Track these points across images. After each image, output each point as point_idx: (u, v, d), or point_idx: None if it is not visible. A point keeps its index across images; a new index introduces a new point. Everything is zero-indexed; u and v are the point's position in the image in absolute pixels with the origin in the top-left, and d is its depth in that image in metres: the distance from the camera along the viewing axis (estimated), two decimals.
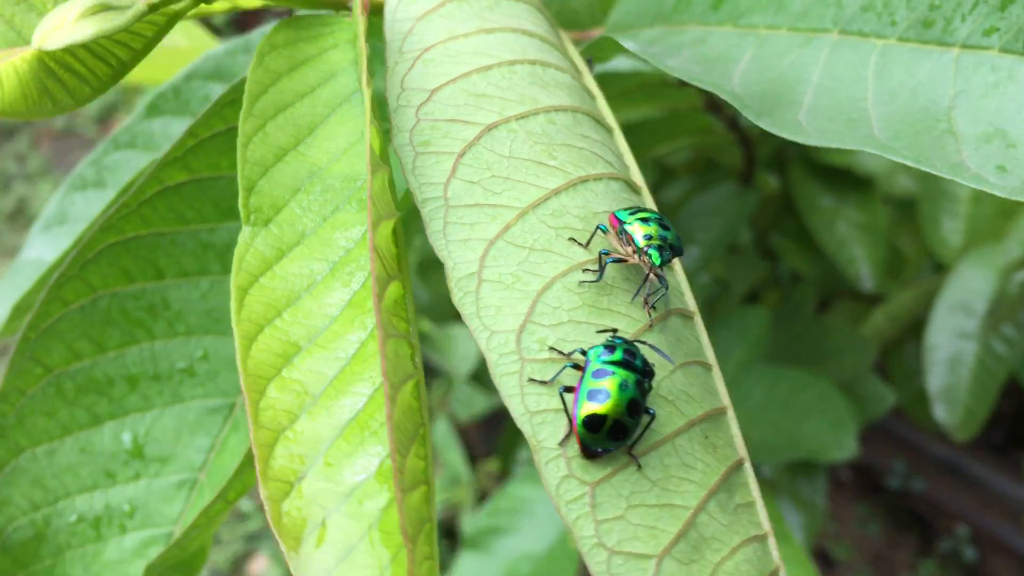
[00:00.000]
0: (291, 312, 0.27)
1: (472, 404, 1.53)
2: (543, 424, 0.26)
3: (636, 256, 0.30)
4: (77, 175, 0.57)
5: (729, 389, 0.31)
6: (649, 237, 0.31)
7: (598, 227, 0.30)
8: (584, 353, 0.27)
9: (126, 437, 0.36)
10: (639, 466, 0.27)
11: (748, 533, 0.28)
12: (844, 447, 0.88)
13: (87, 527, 0.37)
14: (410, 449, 0.25)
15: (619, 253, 0.30)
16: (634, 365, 0.28)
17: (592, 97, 0.36)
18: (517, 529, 0.95)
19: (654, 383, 0.28)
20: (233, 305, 0.27)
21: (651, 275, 0.30)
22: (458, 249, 0.28)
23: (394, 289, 0.27)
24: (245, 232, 0.28)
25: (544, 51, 0.35)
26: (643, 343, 0.28)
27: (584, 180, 0.32)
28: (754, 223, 1.11)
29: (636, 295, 0.29)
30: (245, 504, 1.96)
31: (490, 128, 0.31)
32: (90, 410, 0.36)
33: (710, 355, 0.31)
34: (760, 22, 0.36)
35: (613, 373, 0.27)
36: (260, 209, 0.29)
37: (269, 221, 0.28)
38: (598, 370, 0.27)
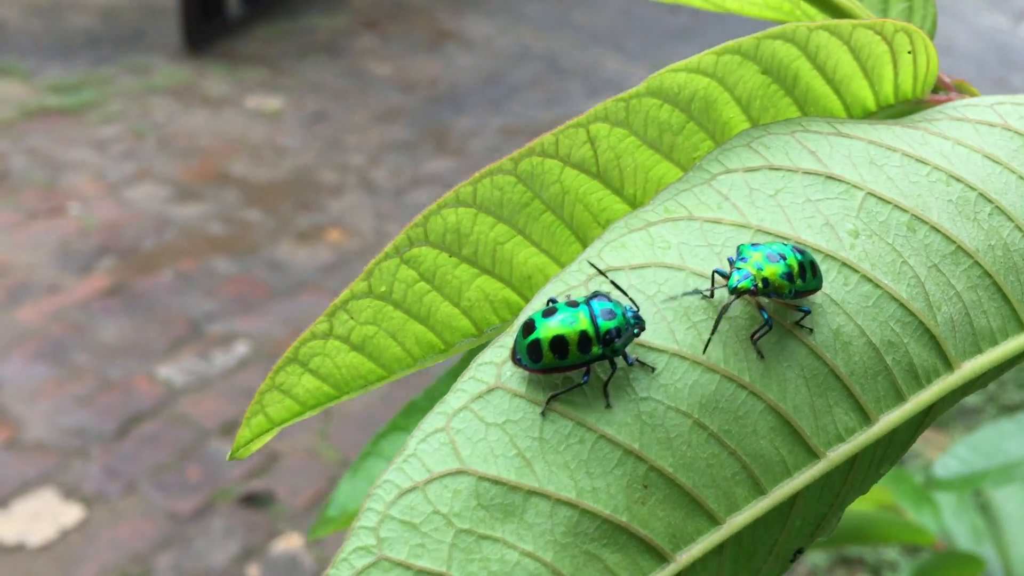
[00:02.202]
0: None
1: None
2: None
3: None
4: None
5: None
6: (744, 260, 0.24)
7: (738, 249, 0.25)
8: (597, 294, 0.24)
9: None
10: (543, 412, 0.23)
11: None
12: None
13: None
14: None
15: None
16: (598, 326, 0.23)
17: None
18: None
19: (647, 395, 0.23)
20: None
21: (740, 302, 0.23)
22: (676, 198, 0.26)
23: None
24: None
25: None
26: (639, 331, 0.23)
27: (850, 267, 0.25)
28: None
29: (717, 324, 0.23)
30: None
31: (853, 186, 0.27)
32: None
33: (767, 501, 0.23)
34: None
35: (578, 310, 0.24)
36: None
37: None
38: (576, 303, 0.24)
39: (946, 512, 1.19)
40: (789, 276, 0.25)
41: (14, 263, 2.64)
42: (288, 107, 3.78)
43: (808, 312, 0.25)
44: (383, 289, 0.25)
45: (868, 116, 0.32)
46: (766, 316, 0.24)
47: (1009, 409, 2.34)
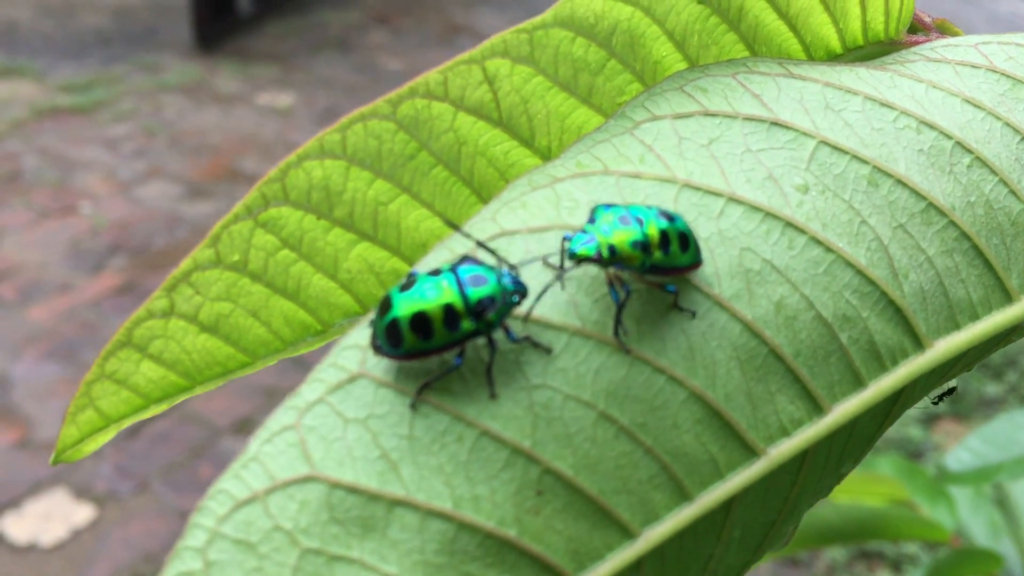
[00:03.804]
0: None
1: None
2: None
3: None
4: None
5: None
6: (593, 222, 0.20)
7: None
8: (467, 259, 0.20)
9: None
10: (413, 405, 0.19)
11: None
12: None
13: None
14: None
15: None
16: (467, 296, 0.19)
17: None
18: None
19: (541, 382, 0.18)
20: None
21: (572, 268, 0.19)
22: (591, 150, 0.22)
23: None
24: None
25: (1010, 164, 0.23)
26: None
27: (796, 227, 0.21)
28: None
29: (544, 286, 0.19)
30: None
31: (803, 133, 0.23)
32: None
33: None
34: None
35: (441, 279, 0.19)
36: None
37: None
38: (438, 271, 0.20)
39: (962, 507, 1.15)
40: (644, 246, 0.20)
41: (25, 262, 2.63)
42: (299, 103, 3.75)
43: (674, 292, 0.21)
44: (236, 258, 0.21)
45: (834, 60, 0.28)
46: (615, 295, 0.20)
47: None
